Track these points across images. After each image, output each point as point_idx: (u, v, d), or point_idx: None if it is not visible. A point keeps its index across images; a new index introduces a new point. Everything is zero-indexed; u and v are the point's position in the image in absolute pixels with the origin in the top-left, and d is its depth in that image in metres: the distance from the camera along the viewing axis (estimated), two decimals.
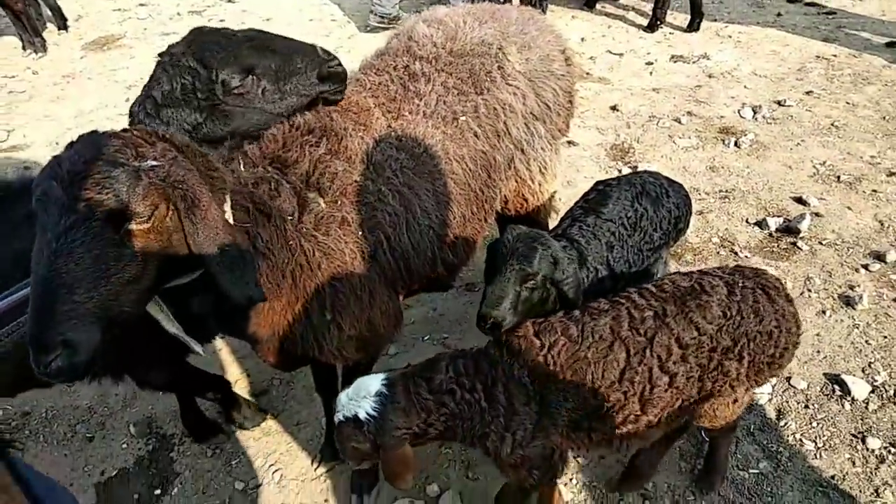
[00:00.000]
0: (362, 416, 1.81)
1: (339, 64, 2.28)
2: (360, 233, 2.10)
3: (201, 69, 2.05)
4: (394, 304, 2.32)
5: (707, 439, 2.60)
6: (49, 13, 6.92)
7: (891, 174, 4.28)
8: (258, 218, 1.87)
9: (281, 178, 2.05)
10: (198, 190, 1.59)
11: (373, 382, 1.89)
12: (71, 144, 1.57)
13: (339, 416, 1.85)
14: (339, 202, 2.06)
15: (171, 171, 1.55)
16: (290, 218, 1.99)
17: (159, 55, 2.14)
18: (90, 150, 1.50)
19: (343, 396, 1.87)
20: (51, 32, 7.37)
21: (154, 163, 1.54)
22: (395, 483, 1.87)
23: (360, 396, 1.82)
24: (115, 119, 5.55)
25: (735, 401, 2.16)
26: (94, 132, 1.62)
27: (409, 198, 2.25)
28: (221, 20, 7.48)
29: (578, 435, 2.05)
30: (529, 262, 2.13)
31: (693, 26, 6.41)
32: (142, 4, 7.98)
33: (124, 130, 1.66)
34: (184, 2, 8.01)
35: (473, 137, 2.52)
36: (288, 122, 2.26)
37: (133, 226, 1.50)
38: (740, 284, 2.07)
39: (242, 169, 2.10)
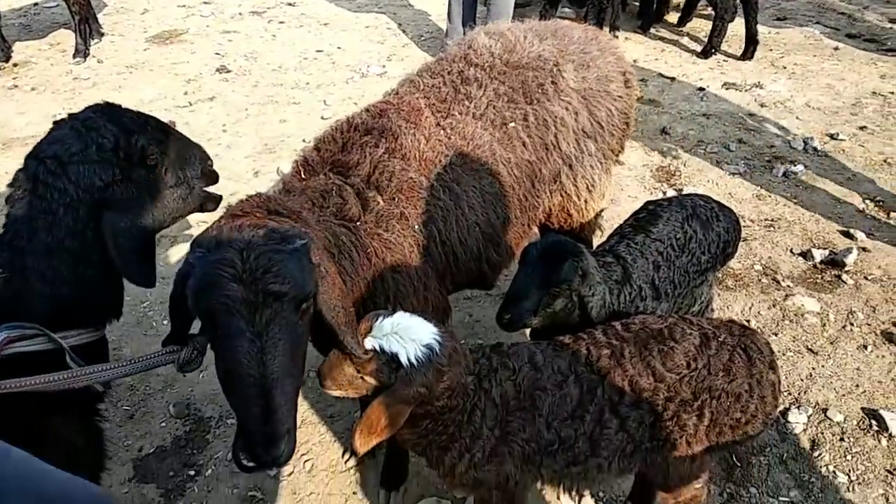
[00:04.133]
0: (404, 359, 1.69)
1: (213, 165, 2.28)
2: (416, 226, 2.17)
3: (121, 133, 1.95)
4: (444, 298, 2.39)
5: None
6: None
7: None
8: (340, 244, 1.96)
9: (344, 184, 2.11)
10: (324, 257, 1.69)
11: (423, 329, 1.74)
12: (214, 241, 1.58)
13: (373, 344, 1.70)
14: (396, 199, 2.14)
15: (311, 243, 1.65)
16: (358, 223, 2.07)
17: (61, 120, 1.99)
18: (245, 243, 1.54)
19: (387, 324, 1.71)
20: (116, 23, 7.65)
21: (301, 241, 1.61)
22: (364, 436, 1.74)
23: (408, 338, 1.70)
24: (172, 110, 5.74)
25: (693, 459, 2.03)
26: (230, 219, 1.66)
27: (458, 193, 2.32)
28: (281, 22, 7.68)
29: (530, 468, 1.99)
30: (556, 270, 2.16)
31: (747, 54, 6.38)
32: (206, 2, 8.22)
33: (244, 213, 1.70)
34: (246, 2, 8.23)
35: (521, 146, 2.58)
36: (346, 122, 2.35)
37: (305, 304, 1.60)
38: (720, 339, 1.98)
39: (303, 176, 2.18)
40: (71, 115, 1.99)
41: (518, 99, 2.56)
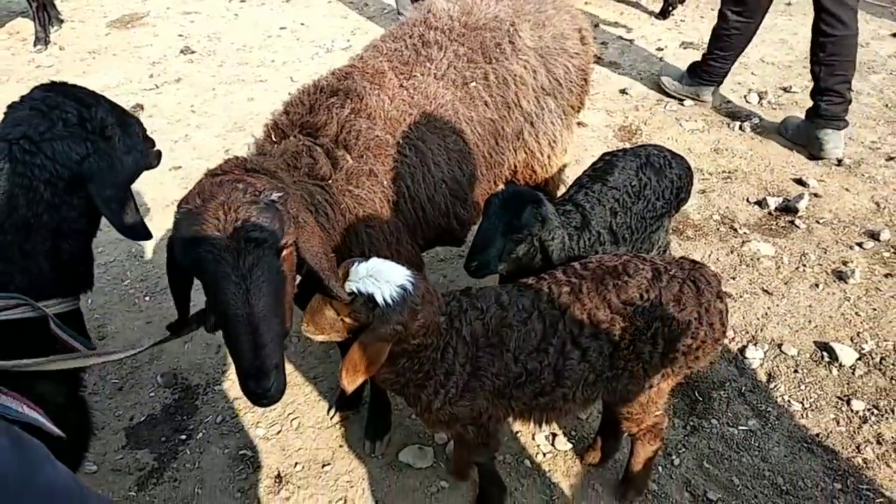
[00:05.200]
0: (379, 298, 1.80)
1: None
2: (385, 183, 2.28)
3: (81, 107, 2.02)
4: (416, 253, 2.51)
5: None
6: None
7: (890, 159, 4.42)
8: (316, 202, 2.08)
9: (314, 144, 2.22)
10: (302, 209, 1.82)
11: (397, 271, 1.86)
12: (198, 197, 1.70)
13: (351, 287, 1.81)
14: (365, 156, 2.24)
15: (287, 196, 1.78)
16: (330, 181, 2.18)
17: (15, 103, 2.02)
18: (226, 196, 1.67)
19: (362, 269, 1.83)
20: (76, 9, 7.57)
21: (278, 193, 1.74)
22: (350, 375, 1.85)
23: (383, 279, 1.81)
24: (139, 94, 5.74)
25: (651, 386, 2.18)
26: (211, 178, 1.78)
27: (424, 151, 2.43)
28: (243, 0, 7.65)
29: (501, 401, 2.13)
30: (517, 217, 2.30)
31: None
32: None
33: (223, 172, 1.83)
34: None
35: (483, 104, 2.70)
36: (313, 85, 2.44)
37: (285, 251, 1.73)
38: (670, 272, 2.11)
39: (273, 139, 2.28)
40: (24, 97, 2.04)
41: (477, 59, 2.67)
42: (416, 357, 1.97)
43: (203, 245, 1.63)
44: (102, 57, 6.53)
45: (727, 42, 4.84)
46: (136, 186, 4.58)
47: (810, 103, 4.93)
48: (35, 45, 6.67)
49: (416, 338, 1.91)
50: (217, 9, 7.50)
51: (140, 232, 2.12)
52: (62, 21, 7.13)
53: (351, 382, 1.86)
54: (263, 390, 1.68)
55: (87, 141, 2.01)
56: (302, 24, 7.06)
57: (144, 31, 7.06)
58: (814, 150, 4.48)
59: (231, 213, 1.64)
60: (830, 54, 4.27)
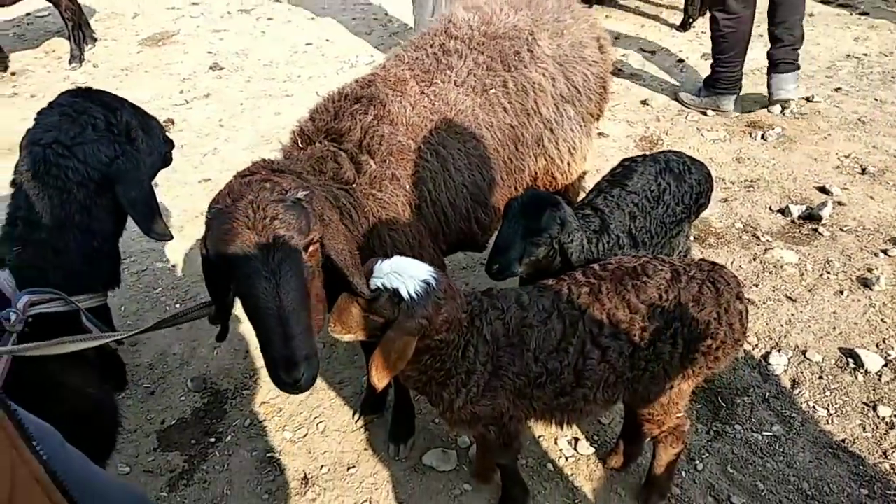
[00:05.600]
0: (404, 292, 1.85)
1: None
2: (408, 186, 2.35)
3: (108, 111, 2.14)
4: (438, 256, 2.56)
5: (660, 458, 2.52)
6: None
7: None
8: (341, 205, 2.15)
9: (338, 150, 2.29)
10: (327, 207, 1.90)
11: (420, 268, 1.91)
12: (228, 197, 1.78)
13: (376, 283, 1.87)
14: (387, 161, 2.31)
15: (312, 195, 1.86)
16: (354, 185, 2.25)
17: (44, 109, 2.12)
18: (254, 195, 1.74)
19: (385, 266, 1.89)
20: (109, 28, 7.81)
21: (303, 191, 1.82)
22: (379, 372, 1.89)
23: (407, 275, 1.87)
24: (170, 109, 5.91)
25: (672, 387, 2.19)
26: (240, 178, 1.87)
27: (444, 156, 2.49)
28: (269, 18, 7.84)
29: (522, 402, 2.16)
30: (537, 220, 2.34)
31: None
32: (194, 3, 8.38)
33: (251, 173, 1.92)
34: (234, 1, 8.39)
35: (503, 111, 2.75)
36: (337, 92, 2.52)
37: (311, 247, 1.81)
38: (690, 273, 2.13)
39: (300, 145, 2.36)
40: (52, 103, 2.16)
41: (497, 67, 2.73)
42: (439, 354, 2.01)
43: (234, 243, 1.70)
44: (135, 74, 6.72)
45: (725, 44, 4.99)
46: (167, 199, 4.73)
47: (833, 112, 4.94)
48: (70, 62, 6.89)
49: (439, 333, 1.95)
50: (245, 27, 7.69)
51: (163, 233, 2.24)
52: (96, 40, 7.36)
53: (380, 380, 1.91)
54: (294, 380, 1.73)
55: (115, 143, 2.14)
56: (327, 40, 7.21)
57: (175, 48, 7.26)
58: (770, 98, 4.97)
59: (260, 211, 1.71)
60: (774, 8, 4.88)
